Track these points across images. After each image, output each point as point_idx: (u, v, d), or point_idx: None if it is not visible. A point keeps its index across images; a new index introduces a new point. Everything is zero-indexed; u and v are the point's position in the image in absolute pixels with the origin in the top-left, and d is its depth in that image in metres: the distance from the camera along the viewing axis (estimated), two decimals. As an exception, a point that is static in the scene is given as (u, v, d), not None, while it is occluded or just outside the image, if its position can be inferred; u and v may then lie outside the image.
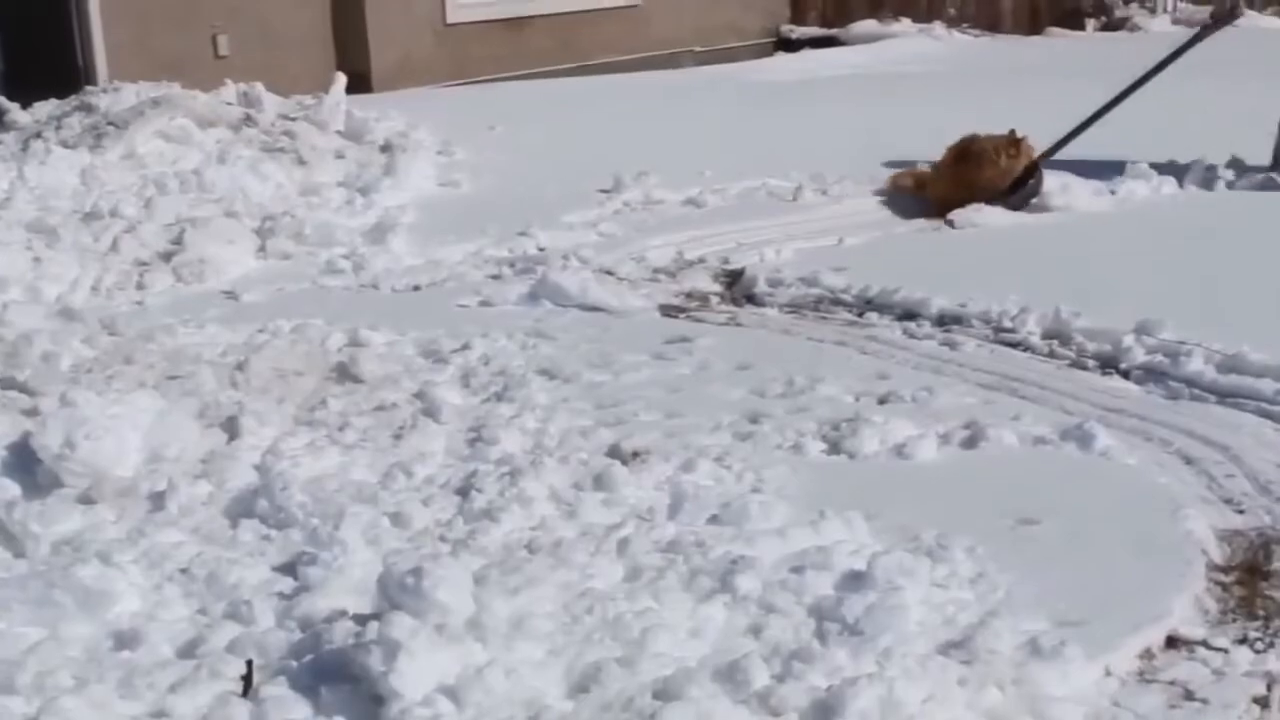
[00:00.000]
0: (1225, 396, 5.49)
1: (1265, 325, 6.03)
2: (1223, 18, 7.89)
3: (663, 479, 4.65)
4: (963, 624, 3.70)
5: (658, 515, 4.40)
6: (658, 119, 11.46)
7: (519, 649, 3.55)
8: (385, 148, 9.84)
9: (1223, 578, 4.10)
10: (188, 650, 3.68)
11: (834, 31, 17.53)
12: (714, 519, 4.35)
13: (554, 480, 4.61)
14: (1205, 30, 8.08)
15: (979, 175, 8.62)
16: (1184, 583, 3.99)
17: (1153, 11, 18.65)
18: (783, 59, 16.53)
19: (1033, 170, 8.63)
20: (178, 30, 12.40)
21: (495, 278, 7.42)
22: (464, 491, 4.58)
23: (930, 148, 9.39)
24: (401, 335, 6.26)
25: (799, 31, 17.65)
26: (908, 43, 17.01)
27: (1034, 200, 8.58)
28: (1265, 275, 6.95)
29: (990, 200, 8.45)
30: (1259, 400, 5.40)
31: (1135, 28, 18.38)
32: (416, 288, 7.30)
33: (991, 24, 18.17)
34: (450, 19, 14.42)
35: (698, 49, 16.04)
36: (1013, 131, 8.79)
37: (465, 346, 6.09)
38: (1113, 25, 18.48)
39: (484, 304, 6.93)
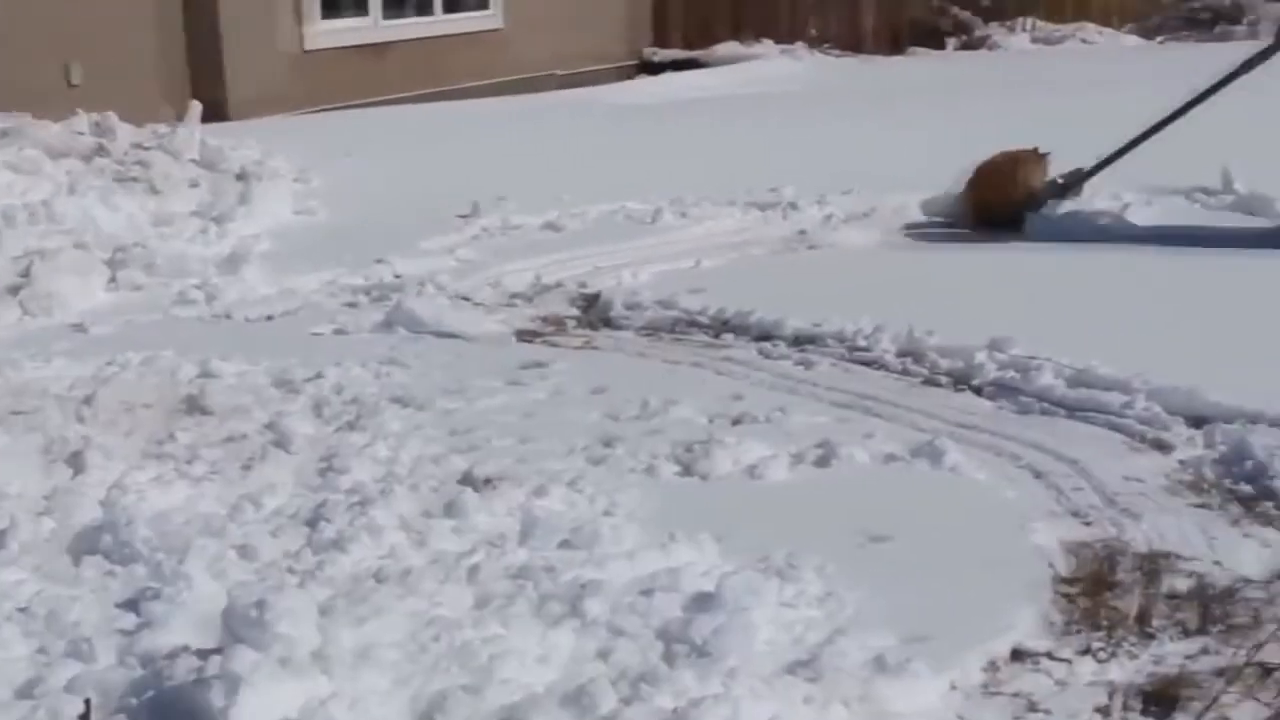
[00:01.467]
0: (1075, 410, 5.56)
1: (1114, 340, 6.11)
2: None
3: (514, 505, 4.62)
4: (810, 642, 3.71)
5: (508, 541, 4.37)
6: (517, 144, 11.44)
7: (364, 679, 3.51)
8: (241, 176, 9.73)
9: (1068, 589, 4.14)
10: (26, 690, 3.60)
11: (696, 54, 17.61)
12: (565, 544, 4.33)
13: (404, 509, 4.57)
14: (1268, 52, 7.98)
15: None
16: (1029, 595, 4.03)
17: (1012, 30, 18.90)
18: (645, 82, 16.58)
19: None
20: (28, 60, 12.20)
21: (351, 306, 7.36)
22: (313, 522, 4.52)
23: (794, 168, 9.48)
24: (254, 365, 6.19)
25: (661, 54, 17.72)
26: (770, 64, 17.13)
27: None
28: (1112, 291, 7.06)
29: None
30: (1107, 413, 5.48)
31: (995, 46, 18.64)
32: (270, 317, 7.22)
33: (853, 44, 18.33)
34: (308, 46, 14.32)
35: (559, 73, 16.05)
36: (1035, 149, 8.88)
37: (318, 375, 6.03)
38: (973, 44, 18.72)
39: (339, 332, 6.87)
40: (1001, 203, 8.63)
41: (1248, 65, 7.83)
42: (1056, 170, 8.75)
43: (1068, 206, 8.53)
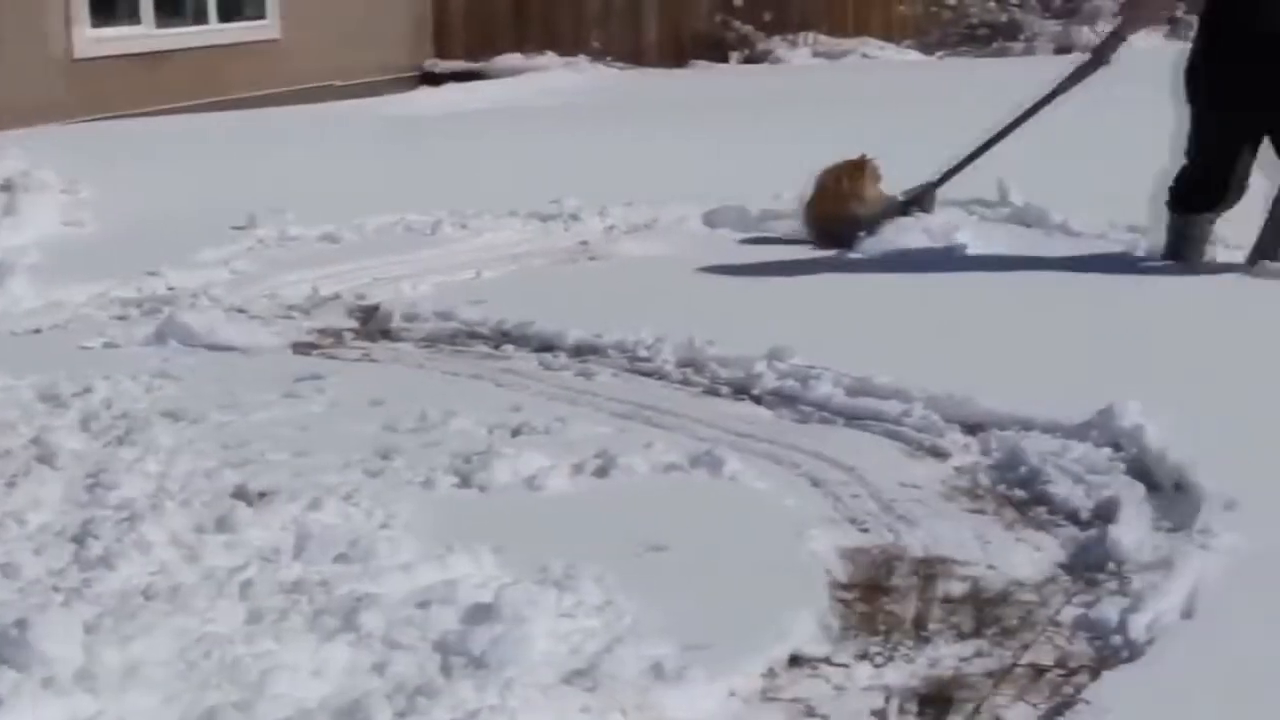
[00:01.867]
0: (853, 419, 5.61)
1: (891, 348, 6.19)
2: (1101, 56, 7.87)
3: (289, 519, 4.52)
4: (588, 652, 3.68)
5: (282, 556, 4.27)
6: (296, 155, 11.28)
7: (131, 698, 3.42)
8: (5, 187, 9.46)
9: (846, 595, 4.17)
10: None
11: (478, 65, 17.55)
12: (340, 557, 4.24)
13: (175, 524, 4.44)
14: (1086, 68, 8.00)
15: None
16: (807, 602, 4.03)
17: (794, 45, 19.11)
18: (426, 93, 16.49)
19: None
20: None
21: (121, 319, 7.17)
22: (80, 539, 4.37)
23: (576, 179, 9.47)
24: (19, 380, 5.99)
25: (442, 65, 17.64)
26: (553, 75, 17.14)
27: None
28: (892, 301, 7.16)
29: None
30: (885, 421, 5.53)
31: (777, 60, 18.83)
32: (37, 331, 7.01)
33: (636, 56, 18.40)
34: (78, 54, 13.98)
35: (339, 83, 15.86)
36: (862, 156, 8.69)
37: (87, 390, 5.85)
38: (755, 58, 18.89)
39: (109, 346, 6.69)
40: (837, 216, 8.50)
41: (1073, 79, 7.95)
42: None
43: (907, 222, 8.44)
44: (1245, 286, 7.27)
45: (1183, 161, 7.59)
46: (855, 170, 8.64)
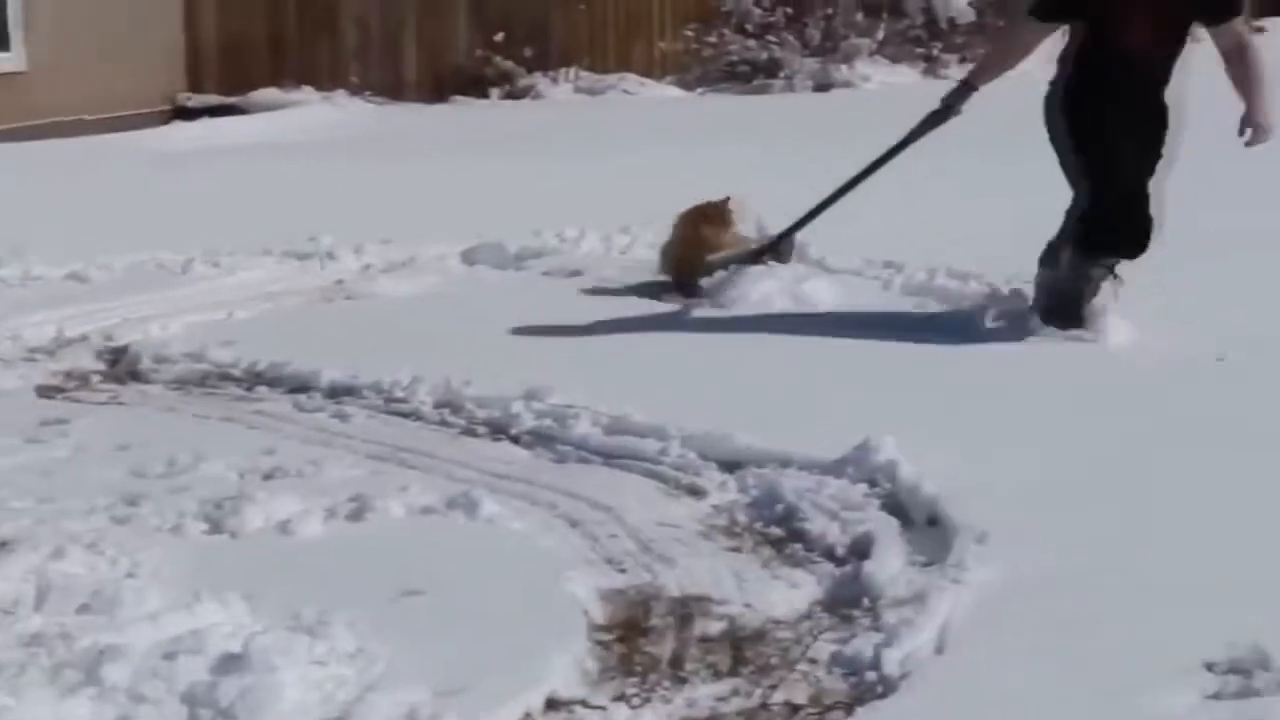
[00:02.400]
0: (611, 458, 5.59)
1: (649, 387, 6.20)
2: (952, 104, 7.52)
3: (30, 568, 4.36)
4: (341, 700, 3.62)
5: (22, 608, 4.12)
6: (41, 191, 10.97)
7: None
8: None
9: (604, 636, 4.15)
10: None
11: (234, 100, 17.24)
12: (84, 608, 4.11)
13: (-92, 575, 4.28)
14: (935, 117, 7.39)
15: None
16: (564, 645, 4.00)
17: (555, 80, 19.10)
18: (179, 128, 16.15)
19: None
20: None
21: None
22: None
23: (332, 217, 9.35)
24: None
25: (196, 100, 17.28)
26: (311, 111, 16.89)
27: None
28: (649, 340, 7.17)
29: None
30: (643, 460, 5.52)
31: (539, 95, 18.79)
32: None
33: (395, 92, 18.23)
34: None
35: (89, 118, 15.44)
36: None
37: None
38: (516, 93, 18.84)
39: None
40: (689, 263, 8.17)
41: (923, 128, 7.48)
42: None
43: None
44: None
45: (1082, 203, 7.01)
46: (713, 214, 8.30)
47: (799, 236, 8.08)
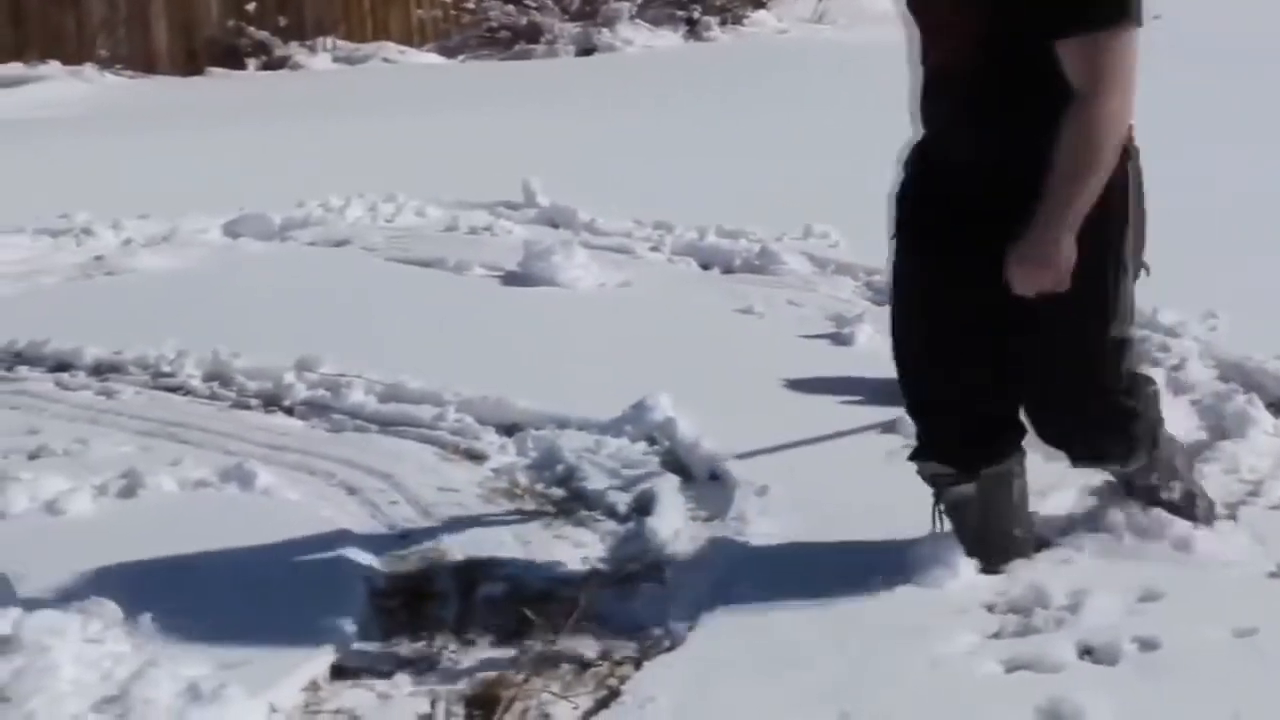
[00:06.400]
0: (387, 425, 5.54)
1: (422, 354, 6.15)
2: None
3: None
4: (119, 677, 3.51)
5: None
6: None
7: None
8: None
9: (387, 603, 4.11)
10: None
11: (-27, 76, 16.68)
12: None
13: None
14: None
15: None
16: (348, 612, 3.95)
17: (313, 50, 18.79)
18: (-86, 107, 15.59)
19: None
20: None
21: None
22: None
23: (90, 193, 9.12)
24: None
25: (-69, 76, 16.70)
26: (56, 86, 16.38)
27: None
28: (418, 306, 7.10)
29: None
30: (420, 426, 5.48)
31: (297, 66, 18.48)
32: None
33: (147, 65, 17.80)
34: None
35: None
36: None
37: None
38: (274, 64, 18.50)
39: None
40: None
41: None
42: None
43: None
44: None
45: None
46: None
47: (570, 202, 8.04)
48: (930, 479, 4.08)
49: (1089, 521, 4.22)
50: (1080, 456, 4.07)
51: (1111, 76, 3.65)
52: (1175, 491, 4.18)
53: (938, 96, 3.92)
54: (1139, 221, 3.85)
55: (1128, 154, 3.79)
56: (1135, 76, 3.69)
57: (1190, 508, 4.18)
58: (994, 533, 4.07)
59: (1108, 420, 3.93)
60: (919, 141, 4.02)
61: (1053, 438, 4.03)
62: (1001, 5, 3.70)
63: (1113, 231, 3.78)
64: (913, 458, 4.13)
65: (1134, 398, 3.96)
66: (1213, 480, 4.54)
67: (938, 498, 4.08)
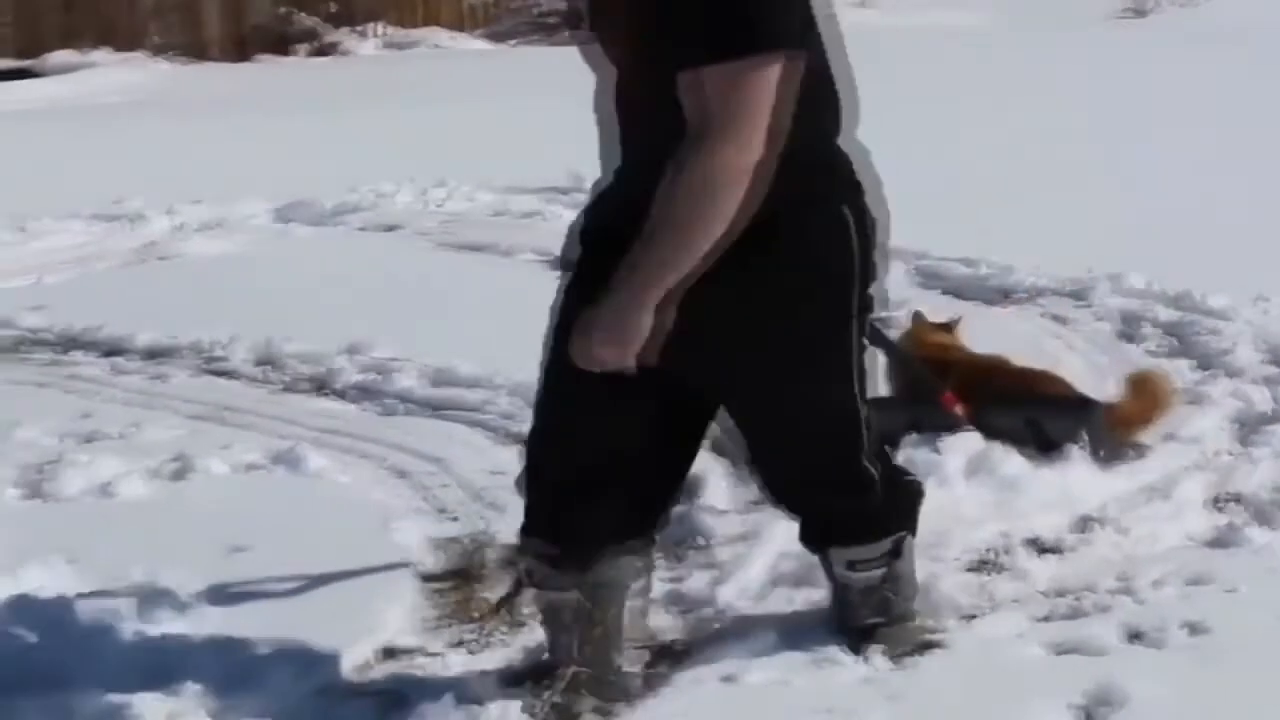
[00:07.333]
0: (438, 409, 5.57)
1: (472, 338, 6.17)
2: None
3: None
4: (173, 659, 3.54)
5: None
6: None
7: None
8: None
9: (438, 585, 4.13)
10: None
11: (28, 63, 16.82)
12: (-99, 580, 4.01)
13: None
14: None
15: None
16: (397, 595, 3.98)
17: (362, 36, 18.85)
18: (-29, 93, 15.73)
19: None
20: None
21: None
22: None
23: (140, 179, 9.17)
24: None
25: (-13, 63, 16.86)
26: (110, 73, 16.55)
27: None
28: (468, 290, 7.12)
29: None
30: (469, 410, 5.51)
31: (345, 52, 18.55)
32: None
33: (197, 52, 17.92)
34: None
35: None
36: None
37: None
38: (322, 51, 18.56)
39: None
40: None
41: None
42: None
43: None
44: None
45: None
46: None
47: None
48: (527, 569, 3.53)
49: (1138, 507, 4.23)
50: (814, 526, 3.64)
51: (730, 117, 2.93)
52: (893, 609, 3.66)
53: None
54: (865, 271, 3.25)
55: (857, 189, 3.25)
56: (780, 117, 2.97)
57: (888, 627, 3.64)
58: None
59: (854, 484, 3.46)
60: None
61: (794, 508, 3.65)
62: (636, 34, 3.11)
63: (846, 289, 3.23)
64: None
65: (881, 463, 3.53)
66: (1263, 465, 4.55)
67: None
